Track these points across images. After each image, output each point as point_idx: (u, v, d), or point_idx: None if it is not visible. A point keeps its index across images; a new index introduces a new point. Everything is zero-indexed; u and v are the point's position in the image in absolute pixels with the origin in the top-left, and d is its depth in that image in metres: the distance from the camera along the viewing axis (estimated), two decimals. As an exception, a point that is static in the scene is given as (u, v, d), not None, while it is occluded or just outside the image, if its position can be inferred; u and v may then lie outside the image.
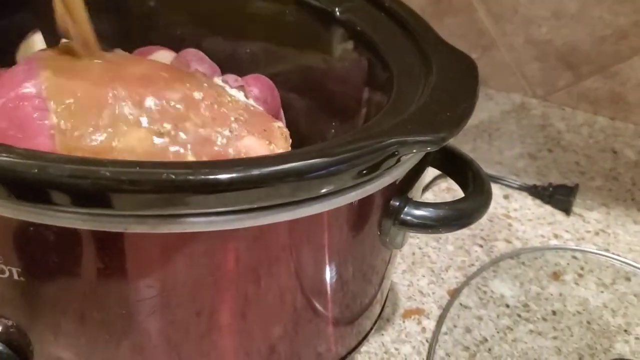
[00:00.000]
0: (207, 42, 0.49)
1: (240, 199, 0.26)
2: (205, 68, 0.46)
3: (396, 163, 0.29)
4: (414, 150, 0.29)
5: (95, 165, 0.25)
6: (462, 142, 0.67)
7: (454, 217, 0.33)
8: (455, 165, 0.36)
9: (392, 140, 0.28)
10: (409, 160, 0.31)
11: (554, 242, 0.56)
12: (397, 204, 0.32)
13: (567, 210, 0.59)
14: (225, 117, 0.38)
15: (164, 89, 0.38)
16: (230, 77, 0.48)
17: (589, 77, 0.71)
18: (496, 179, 0.61)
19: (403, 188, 0.32)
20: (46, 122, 0.34)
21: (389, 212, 0.32)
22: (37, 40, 0.45)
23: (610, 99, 0.72)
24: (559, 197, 0.59)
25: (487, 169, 0.63)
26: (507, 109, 0.73)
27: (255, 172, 0.25)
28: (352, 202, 0.29)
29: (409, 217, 0.33)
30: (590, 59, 0.70)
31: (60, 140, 0.34)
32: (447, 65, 0.35)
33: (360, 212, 0.31)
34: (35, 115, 0.34)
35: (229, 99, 0.41)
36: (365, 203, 0.30)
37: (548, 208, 0.59)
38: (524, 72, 0.73)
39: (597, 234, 0.57)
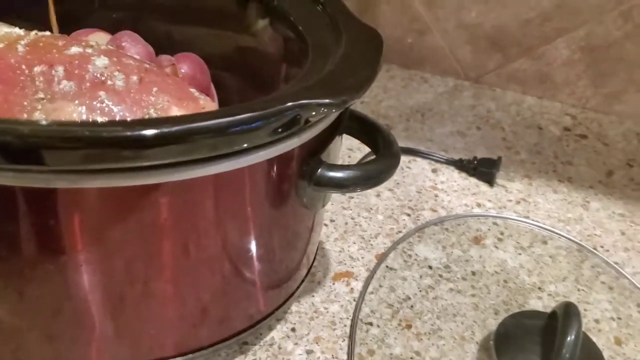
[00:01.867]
0: (142, 26, 0.51)
1: (165, 154, 0.29)
2: (139, 49, 0.48)
3: (305, 124, 0.32)
4: (315, 112, 0.32)
5: (30, 125, 0.28)
6: (397, 122, 0.70)
7: (364, 177, 0.37)
8: (368, 132, 0.40)
9: (295, 103, 0.31)
10: (319, 123, 0.34)
11: (476, 210, 0.60)
12: (312, 165, 0.35)
13: (490, 181, 0.62)
14: (149, 87, 0.41)
15: (86, 62, 0.40)
16: (164, 58, 0.50)
17: (517, 58, 0.76)
18: (425, 154, 0.65)
19: (316, 150, 0.35)
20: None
21: (303, 174, 0.35)
22: None
23: (538, 79, 0.76)
24: (482, 169, 0.63)
25: (418, 145, 0.66)
26: (440, 90, 0.76)
27: (179, 127, 0.28)
28: (268, 160, 0.32)
29: (322, 179, 0.36)
30: (518, 41, 0.74)
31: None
32: (356, 38, 0.38)
33: (277, 171, 0.34)
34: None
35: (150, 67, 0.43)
36: (280, 162, 0.33)
37: (473, 180, 0.63)
38: (457, 56, 0.77)
39: (518, 202, 0.61)
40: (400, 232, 0.55)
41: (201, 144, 0.29)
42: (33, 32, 0.42)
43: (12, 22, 0.49)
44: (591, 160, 0.69)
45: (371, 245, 0.54)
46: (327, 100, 0.31)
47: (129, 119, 0.37)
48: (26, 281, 0.33)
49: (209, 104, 0.43)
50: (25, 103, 0.38)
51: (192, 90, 0.43)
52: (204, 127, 0.29)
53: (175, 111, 0.41)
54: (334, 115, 0.36)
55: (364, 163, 0.37)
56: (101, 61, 0.40)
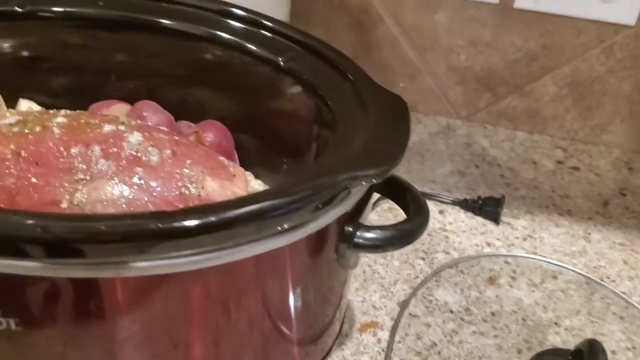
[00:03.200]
0: (160, 92, 0.52)
1: (207, 242, 0.30)
2: (160, 117, 0.49)
3: (347, 195, 0.34)
4: (363, 183, 0.33)
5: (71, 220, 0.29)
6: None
7: (399, 237, 0.38)
8: (396, 190, 0.41)
9: (343, 176, 0.32)
10: (359, 190, 0.36)
11: (487, 249, 0.62)
12: (351, 229, 0.37)
13: (496, 220, 0.65)
14: (182, 160, 0.42)
15: (120, 139, 0.41)
16: (184, 124, 0.52)
17: (506, 96, 0.79)
18: (431, 196, 0.67)
19: (355, 215, 0.37)
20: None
21: (344, 238, 0.37)
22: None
23: (527, 115, 0.80)
24: (488, 208, 0.65)
25: (422, 187, 0.68)
26: (435, 130, 0.79)
27: (220, 216, 0.29)
28: (310, 234, 0.34)
29: (361, 240, 0.37)
30: (506, 80, 0.78)
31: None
32: (381, 105, 0.40)
33: (318, 240, 0.35)
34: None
35: (185, 142, 0.44)
36: (322, 232, 0.35)
37: (479, 219, 0.65)
38: (448, 97, 0.80)
39: (524, 239, 0.63)
40: (417, 277, 0.57)
41: (245, 230, 0.30)
42: (62, 111, 0.43)
43: (33, 98, 0.50)
44: (586, 191, 0.72)
45: (392, 292, 0.55)
46: (371, 172, 0.33)
47: (171, 209, 0.38)
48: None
49: (238, 171, 0.44)
50: (67, 184, 0.39)
51: (221, 158, 0.45)
52: (248, 213, 0.30)
53: (209, 181, 0.42)
54: (371, 181, 0.37)
55: (398, 224, 0.38)
56: (134, 137, 0.41)
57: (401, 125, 0.38)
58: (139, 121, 0.47)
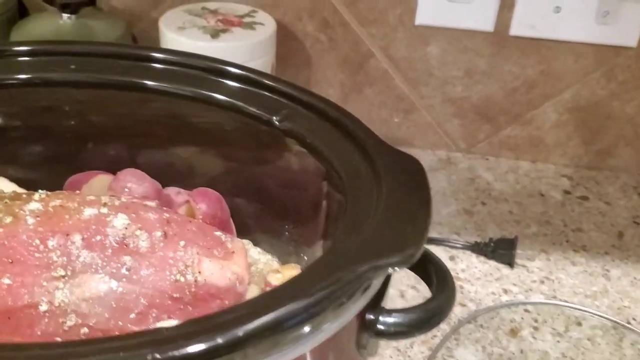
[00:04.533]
0: (144, 156, 0.48)
1: None
2: (146, 187, 0.45)
3: (370, 286, 0.29)
4: (388, 271, 0.29)
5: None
6: (400, 207, 0.68)
7: (426, 319, 0.34)
8: (419, 263, 0.37)
9: (364, 267, 0.28)
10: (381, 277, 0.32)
11: (505, 297, 0.57)
12: (372, 317, 0.32)
13: (510, 263, 0.61)
14: (174, 242, 0.38)
15: (103, 225, 0.37)
16: (172, 190, 0.47)
17: (507, 126, 0.75)
18: (440, 241, 0.63)
19: (376, 301, 0.32)
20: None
21: (365, 327, 0.33)
22: None
23: (529, 144, 0.76)
24: (501, 251, 0.61)
25: (430, 231, 0.64)
26: (435, 165, 0.75)
27: (229, 336, 0.25)
28: (328, 335, 0.29)
29: (384, 327, 0.33)
30: (506, 109, 0.74)
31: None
32: (394, 168, 0.36)
33: (336, 337, 0.31)
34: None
35: (177, 218, 0.40)
36: (343, 328, 0.30)
37: (492, 263, 0.61)
38: (446, 130, 0.76)
39: (542, 282, 0.59)
40: (435, 336, 0.53)
41: (258, 347, 0.26)
42: (36, 195, 0.39)
43: (5, 172, 0.45)
44: (599, 223, 0.68)
45: (409, 357, 0.51)
46: (395, 259, 0.29)
47: (166, 301, 0.34)
48: None
49: (237, 245, 0.40)
50: (45, 283, 0.34)
51: (217, 233, 0.40)
52: (261, 327, 0.25)
53: (207, 263, 0.37)
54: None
55: (422, 304, 0.34)
56: (119, 221, 0.37)
57: (420, 194, 0.34)
58: (124, 196, 0.42)
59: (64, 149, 0.47)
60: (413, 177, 0.35)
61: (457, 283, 0.58)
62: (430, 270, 0.36)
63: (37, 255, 0.35)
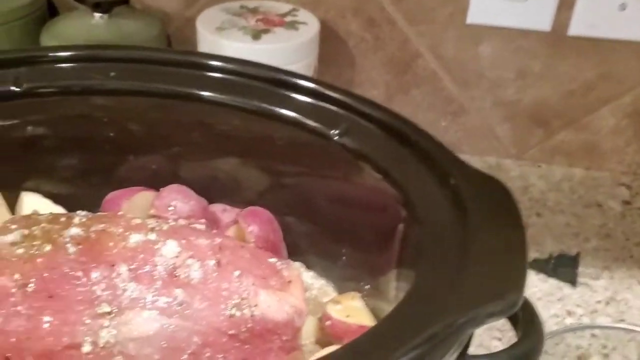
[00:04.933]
0: (186, 169, 0.44)
1: None
2: (192, 206, 0.41)
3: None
4: (487, 322, 0.25)
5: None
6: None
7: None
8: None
9: (464, 318, 0.24)
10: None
11: (569, 320, 0.53)
12: (459, 365, 0.29)
13: (572, 281, 0.56)
14: (228, 271, 0.34)
15: (151, 254, 0.33)
16: (218, 208, 0.44)
17: (560, 131, 0.71)
18: (496, 258, 0.58)
19: (464, 349, 0.28)
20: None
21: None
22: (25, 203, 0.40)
23: (584, 150, 0.72)
24: (562, 268, 0.57)
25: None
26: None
27: None
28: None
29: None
30: (560, 113, 0.70)
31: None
32: (477, 194, 0.32)
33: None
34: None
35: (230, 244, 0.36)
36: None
37: (553, 282, 0.57)
38: (496, 134, 0.72)
39: (607, 303, 0.55)
40: (496, 363, 0.49)
41: None
42: (76, 218, 0.35)
43: (39, 187, 0.42)
44: (663, 236, 0.63)
45: (471, 387, 0.47)
46: (497, 308, 0.25)
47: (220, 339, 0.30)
48: None
49: (294, 274, 0.36)
50: (89, 321, 0.31)
51: (272, 260, 0.37)
52: None
53: (263, 295, 0.34)
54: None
55: (508, 349, 0.30)
56: (169, 249, 0.33)
57: (512, 226, 0.30)
58: (170, 217, 0.39)
59: (101, 162, 0.44)
60: (500, 204, 0.31)
61: (517, 303, 0.54)
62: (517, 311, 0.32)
63: (79, 289, 0.31)
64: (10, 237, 0.33)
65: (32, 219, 0.35)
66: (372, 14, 0.66)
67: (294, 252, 0.42)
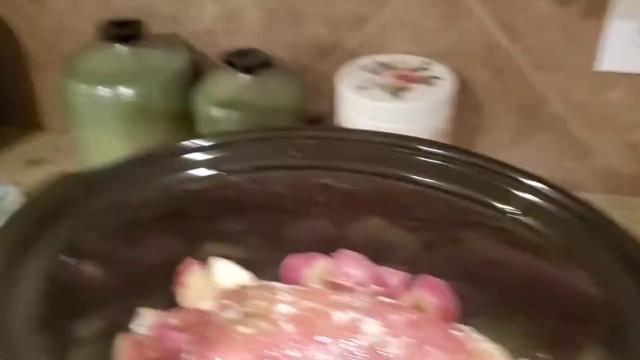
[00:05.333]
0: (355, 235, 0.48)
1: None
2: (364, 273, 0.45)
3: None
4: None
5: None
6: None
7: None
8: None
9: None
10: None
11: None
12: None
13: None
14: (423, 350, 0.37)
15: (354, 331, 0.37)
16: (387, 272, 0.47)
17: (690, 170, 0.70)
18: None
19: None
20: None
21: None
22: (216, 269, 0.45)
23: None
24: None
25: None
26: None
27: None
28: None
29: None
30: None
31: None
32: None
33: None
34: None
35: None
36: None
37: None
38: (621, 173, 0.72)
39: None
40: None
41: None
42: (279, 293, 0.39)
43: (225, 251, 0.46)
44: None
45: None
46: None
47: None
48: None
49: (479, 347, 0.39)
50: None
51: (455, 333, 0.40)
52: None
53: (455, 368, 0.37)
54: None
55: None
56: (369, 327, 0.37)
57: None
58: (346, 283, 0.42)
59: (278, 229, 0.48)
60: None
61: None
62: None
63: (300, 365, 0.35)
64: (230, 314, 0.37)
65: (241, 294, 0.39)
66: (501, 63, 0.68)
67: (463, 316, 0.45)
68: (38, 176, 0.74)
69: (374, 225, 0.48)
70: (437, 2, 0.66)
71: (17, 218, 0.38)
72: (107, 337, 0.40)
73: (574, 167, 0.73)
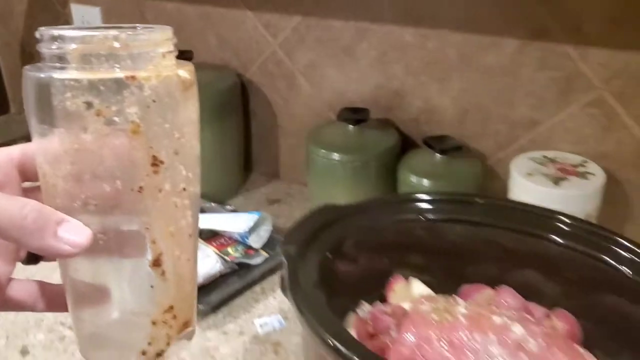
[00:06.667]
0: (512, 277, 0.68)
1: None
2: (517, 303, 0.64)
3: None
4: None
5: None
6: None
7: None
8: None
9: None
10: None
11: None
12: None
13: None
14: (551, 349, 0.56)
15: (507, 330, 0.56)
16: (533, 306, 0.66)
17: None
18: None
19: None
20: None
21: None
22: (414, 285, 0.66)
23: None
24: None
25: None
26: None
27: None
28: None
29: None
30: None
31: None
32: None
33: None
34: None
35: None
36: None
37: None
38: None
39: None
40: None
41: None
42: (457, 306, 0.60)
43: (418, 276, 0.68)
44: None
45: None
46: None
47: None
48: None
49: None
50: (470, 362, 0.55)
51: (580, 349, 0.58)
52: None
53: (572, 368, 0.55)
54: None
55: None
56: (517, 329, 0.56)
57: None
58: (508, 310, 0.62)
59: (456, 266, 0.69)
60: None
61: None
62: None
63: (466, 343, 0.56)
64: (425, 308, 0.59)
65: (433, 298, 0.61)
66: (646, 166, 0.84)
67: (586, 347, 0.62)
68: (276, 211, 1.02)
69: (528, 274, 0.67)
70: (596, 115, 0.84)
71: (298, 227, 0.63)
72: (344, 312, 0.64)
73: None
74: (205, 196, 1.03)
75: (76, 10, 1.20)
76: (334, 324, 0.50)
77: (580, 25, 0.81)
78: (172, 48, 0.36)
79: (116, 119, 0.33)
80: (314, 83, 1.04)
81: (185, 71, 0.36)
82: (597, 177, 0.82)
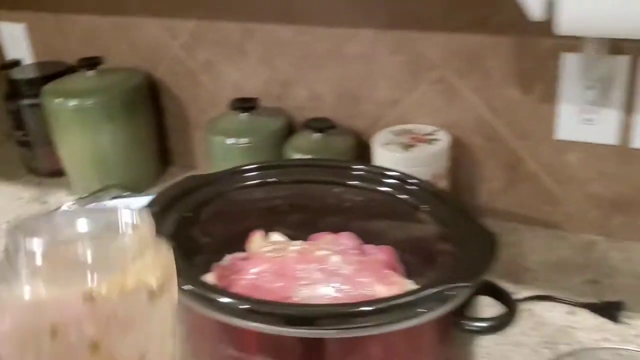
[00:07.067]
0: (352, 225, 0.81)
1: (372, 320, 0.56)
2: (353, 244, 0.77)
3: (453, 297, 0.57)
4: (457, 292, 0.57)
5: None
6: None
7: (496, 326, 0.60)
8: (494, 292, 0.63)
9: (443, 287, 0.56)
10: (461, 294, 0.59)
11: (604, 344, 0.78)
12: (460, 320, 0.60)
13: (615, 319, 0.81)
14: (362, 273, 0.69)
15: (327, 260, 0.69)
16: (367, 247, 0.79)
17: (638, 215, 0.94)
18: (561, 300, 0.85)
19: (463, 308, 0.59)
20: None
21: (455, 324, 0.60)
22: (272, 237, 0.79)
23: (660, 232, 0.94)
24: (610, 311, 0.81)
25: (560, 293, 0.86)
26: (577, 247, 0.97)
27: (378, 305, 0.55)
28: (431, 319, 0.57)
29: (467, 327, 0.60)
30: (637, 202, 0.93)
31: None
32: (481, 237, 0.63)
33: (438, 324, 0.59)
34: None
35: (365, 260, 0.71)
36: (440, 321, 0.58)
37: (601, 319, 0.81)
38: (588, 218, 0.97)
39: (637, 336, 0.78)
40: (542, 362, 0.76)
41: (394, 314, 0.55)
42: (296, 243, 0.73)
43: (281, 230, 0.81)
44: None
45: (519, 371, 0.75)
46: (460, 284, 0.57)
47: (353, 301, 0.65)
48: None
49: (398, 280, 0.70)
50: (296, 288, 0.68)
51: (387, 271, 0.71)
52: (394, 304, 0.55)
53: (378, 286, 0.68)
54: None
55: (495, 317, 0.60)
56: (335, 258, 0.69)
57: (489, 251, 0.61)
58: (339, 248, 0.75)
59: (309, 219, 0.82)
60: (488, 243, 0.62)
61: (572, 331, 0.80)
62: (504, 297, 0.62)
63: (294, 273, 0.68)
64: (266, 249, 0.72)
65: (275, 243, 0.74)
66: (489, 133, 0.98)
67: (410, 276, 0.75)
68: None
69: (367, 222, 0.80)
70: (442, 90, 0.98)
71: (161, 194, 0.76)
72: (206, 267, 0.77)
73: (549, 211, 0.99)
74: (122, 188, 1.15)
75: (4, 27, 1.32)
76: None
77: (421, 14, 0.95)
78: (145, 248, 0.34)
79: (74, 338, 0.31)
80: (213, 79, 1.17)
81: (158, 272, 0.34)
82: (442, 142, 0.95)
